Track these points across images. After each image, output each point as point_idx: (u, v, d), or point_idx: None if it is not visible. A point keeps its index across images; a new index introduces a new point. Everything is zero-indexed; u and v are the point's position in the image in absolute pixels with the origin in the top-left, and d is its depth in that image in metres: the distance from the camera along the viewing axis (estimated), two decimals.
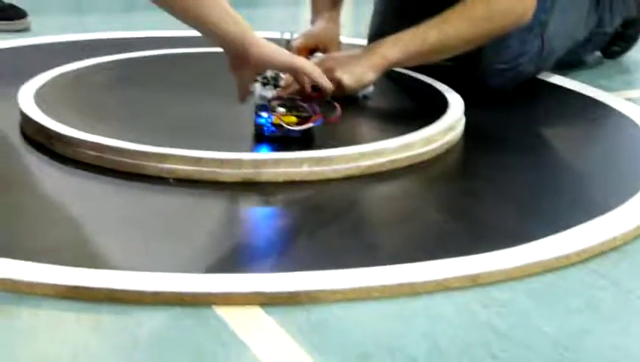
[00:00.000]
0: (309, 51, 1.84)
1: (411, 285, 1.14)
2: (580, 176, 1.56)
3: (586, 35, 2.12)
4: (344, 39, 1.95)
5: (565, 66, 2.13)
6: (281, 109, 1.50)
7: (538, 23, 1.83)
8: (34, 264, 1.13)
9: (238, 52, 1.44)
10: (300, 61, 1.53)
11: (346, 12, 1.94)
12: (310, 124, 1.49)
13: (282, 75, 1.65)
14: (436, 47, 1.73)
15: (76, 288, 1.09)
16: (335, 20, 1.90)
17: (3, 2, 2.45)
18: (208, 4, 1.39)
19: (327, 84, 1.55)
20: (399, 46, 1.72)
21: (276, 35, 1.85)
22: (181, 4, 1.39)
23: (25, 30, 2.40)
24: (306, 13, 2.72)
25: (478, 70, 1.87)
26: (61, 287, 1.10)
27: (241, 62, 1.45)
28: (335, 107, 1.55)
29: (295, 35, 1.86)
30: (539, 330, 1.07)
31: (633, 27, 2.28)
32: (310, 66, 1.54)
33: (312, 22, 1.91)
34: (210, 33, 1.42)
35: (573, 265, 1.23)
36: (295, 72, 1.53)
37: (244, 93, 1.51)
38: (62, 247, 1.20)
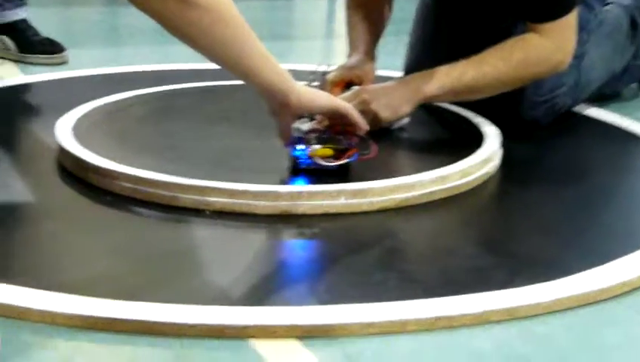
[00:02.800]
0: (344, 84, 1.84)
1: (448, 318, 1.13)
2: (618, 209, 1.55)
3: (622, 67, 2.11)
4: (380, 72, 1.96)
5: (601, 98, 2.11)
6: (317, 146, 1.50)
7: (575, 56, 1.82)
8: (71, 296, 1.13)
9: (278, 100, 1.45)
10: (339, 103, 1.54)
11: (382, 44, 1.94)
12: (345, 160, 1.49)
13: None
14: (472, 86, 1.74)
15: (113, 320, 1.10)
16: (371, 55, 1.91)
17: (41, 36, 2.47)
18: (249, 52, 1.40)
19: (364, 125, 1.55)
20: (435, 81, 1.73)
21: (312, 67, 1.86)
22: (222, 52, 1.40)
23: (62, 64, 2.42)
24: (340, 45, 2.73)
25: (515, 102, 1.86)
26: (98, 319, 1.10)
27: (281, 108, 1.46)
28: (370, 144, 1.54)
29: (331, 67, 1.86)
30: None
31: None
32: (349, 108, 1.54)
33: (349, 56, 1.92)
34: (251, 81, 1.43)
35: (611, 298, 1.22)
36: (334, 115, 1.54)
37: (286, 137, 1.51)
38: (99, 279, 1.21)
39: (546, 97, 1.89)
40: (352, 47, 1.94)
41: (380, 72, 1.95)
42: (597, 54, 1.99)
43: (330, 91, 1.80)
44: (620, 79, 2.14)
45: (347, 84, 1.84)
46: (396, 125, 1.75)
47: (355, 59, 1.89)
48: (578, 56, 1.87)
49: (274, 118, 1.50)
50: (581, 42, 1.86)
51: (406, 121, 1.76)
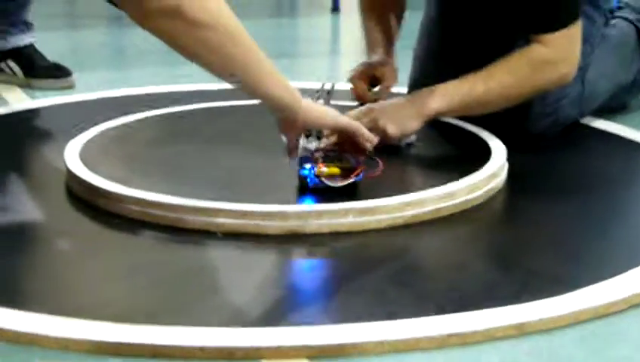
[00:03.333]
0: (368, 80, 1.87)
1: (459, 336, 1.13)
2: (625, 222, 1.55)
3: (629, 80, 2.11)
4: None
5: (609, 110, 2.11)
6: (324, 165, 1.50)
7: (578, 68, 1.83)
8: (81, 321, 1.14)
9: (285, 116, 1.46)
10: (346, 122, 1.55)
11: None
12: (352, 179, 1.50)
13: None
14: (480, 101, 1.74)
15: (124, 345, 1.10)
16: (390, 54, 1.93)
17: (47, 61, 2.48)
18: (258, 70, 1.41)
19: (373, 141, 1.56)
20: (444, 96, 1.73)
21: (317, 85, 1.86)
22: (231, 70, 1.40)
23: (69, 88, 2.43)
24: (345, 62, 2.74)
25: (521, 116, 1.87)
26: (108, 344, 1.10)
27: (290, 124, 1.48)
28: (377, 162, 1.55)
29: (336, 85, 1.87)
30: None
31: None
32: (356, 126, 1.55)
33: (369, 56, 1.94)
34: (260, 97, 1.44)
35: (621, 311, 1.22)
36: (341, 133, 1.55)
37: (293, 151, 1.53)
38: (108, 304, 1.21)
39: (549, 109, 1.90)
40: (370, 48, 1.95)
41: None
42: (602, 67, 1.99)
43: (355, 86, 1.84)
44: (628, 92, 2.14)
45: (371, 80, 1.87)
46: (404, 142, 1.75)
47: (377, 56, 1.91)
48: (581, 68, 1.88)
49: (282, 132, 1.51)
50: (584, 54, 1.86)
51: (414, 137, 1.76)
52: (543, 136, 1.90)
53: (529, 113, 1.88)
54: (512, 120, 1.86)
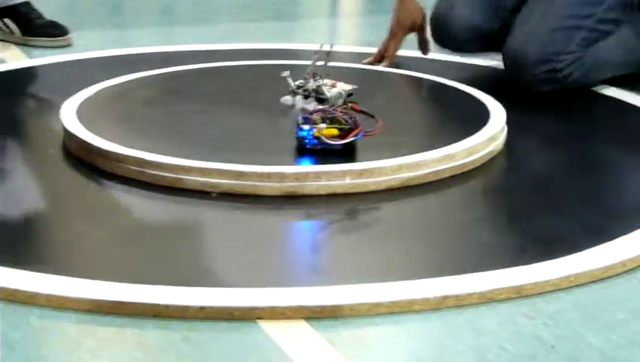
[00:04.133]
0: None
1: (455, 297, 1.13)
2: (626, 186, 1.55)
3: None
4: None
5: (623, 82, 2.08)
6: (322, 126, 1.50)
7: (587, 29, 1.83)
8: (78, 280, 1.14)
9: None
10: None
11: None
12: (351, 138, 1.49)
13: (325, 89, 1.65)
14: None
15: (120, 304, 1.10)
16: None
17: (44, 19, 2.47)
18: None
19: None
20: None
21: (316, 46, 1.85)
22: None
23: (67, 46, 2.42)
24: (344, 24, 2.72)
25: (519, 64, 1.88)
26: (105, 303, 1.10)
27: None
28: (377, 120, 1.55)
29: (334, 47, 1.86)
30: (585, 342, 1.07)
31: None
32: None
33: None
34: None
35: (619, 275, 1.22)
36: None
37: None
38: (106, 263, 1.21)
39: (549, 57, 1.90)
40: None
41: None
42: (616, 37, 1.99)
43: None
44: None
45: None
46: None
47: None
48: (593, 30, 1.89)
49: None
50: (591, 16, 1.88)
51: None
52: (545, 91, 1.90)
53: (529, 60, 1.88)
54: (512, 69, 1.87)
